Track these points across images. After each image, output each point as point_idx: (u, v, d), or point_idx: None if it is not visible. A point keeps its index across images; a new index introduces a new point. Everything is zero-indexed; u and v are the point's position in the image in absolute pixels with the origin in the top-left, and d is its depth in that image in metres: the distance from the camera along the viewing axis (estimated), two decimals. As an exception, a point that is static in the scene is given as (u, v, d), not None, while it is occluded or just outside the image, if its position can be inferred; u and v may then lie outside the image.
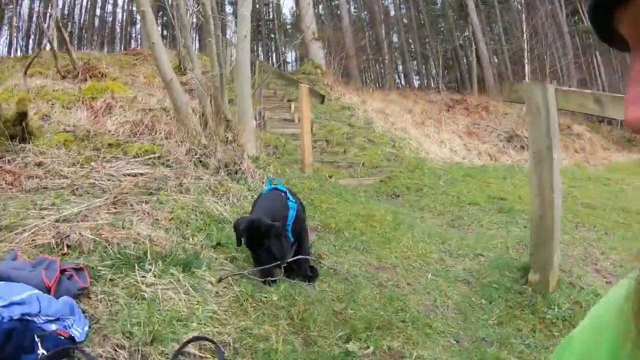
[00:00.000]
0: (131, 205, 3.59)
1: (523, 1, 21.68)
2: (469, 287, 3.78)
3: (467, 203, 7.21)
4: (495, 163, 12.58)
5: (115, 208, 3.59)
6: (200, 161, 4.95)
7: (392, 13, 36.08)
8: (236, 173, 4.94)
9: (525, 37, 19.20)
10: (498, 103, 18.54)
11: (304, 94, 7.16)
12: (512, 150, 14.38)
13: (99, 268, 2.44)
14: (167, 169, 4.59)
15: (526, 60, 19.15)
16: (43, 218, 3.28)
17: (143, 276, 2.37)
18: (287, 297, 2.71)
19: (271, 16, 40.11)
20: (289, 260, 3.06)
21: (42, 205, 3.62)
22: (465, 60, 29.88)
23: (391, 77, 32.77)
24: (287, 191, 3.35)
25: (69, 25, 26.54)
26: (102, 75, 9.95)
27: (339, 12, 28.26)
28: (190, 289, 2.39)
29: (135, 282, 2.32)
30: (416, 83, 33.13)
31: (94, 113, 7.05)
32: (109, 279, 2.37)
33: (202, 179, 4.47)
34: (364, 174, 8.69)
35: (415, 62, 35.71)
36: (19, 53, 21.52)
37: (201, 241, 3.19)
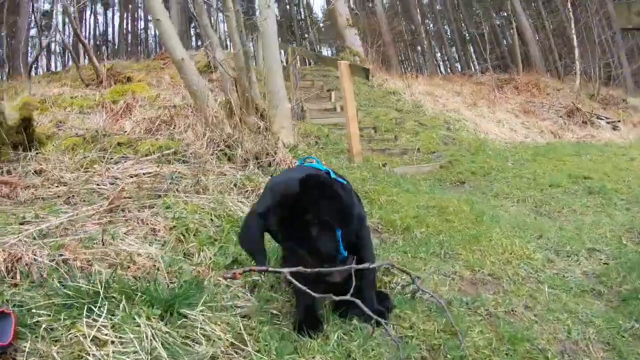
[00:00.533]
0: (129, 211, 2.68)
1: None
2: (604, 302, 2.63)
3: (548, 185, 6.17)
4: (560, 140, 11.34)
5: (110, 217, 2.69)
6: (225, 154, 4.03)
7: (425, 1, 34.71)
8: (269, 165, 3.98)
9: (567, 7, 17.40)
10: (548, 79, 17.51)
11: (344, 71, 6.10)
12: (575, 125, 13.17)
13: (38, 311, 1.50)
14: (183, 165, 3.68)
15: (573, 31, 17.31)
16: (19, 233, 2.43)
17: (94, 325, 1.41)
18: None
19: (303, 15, 39.47)
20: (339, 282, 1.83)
21: (26, 218, 2.79)
22: (505, 41, 28.35)
23: (431, 63, 31.18)
24: (332, 172, 2.12)
25: (104, 43, 26.91)
26: (127, 80, 9.36)
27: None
28: (164, 349, 1.41)
29: (82, 336, 1.37)
30: (458, 68, 31.37)
31: (113, 115, 6.37)
32: (48, 330, 1.43)
33: (225, 174, 3.53)
34: (420, 160, 7.55)
35: (454, 49, 34.14)
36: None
37: (210, 258, 2.21)
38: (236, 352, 1.55)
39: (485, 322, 2.13)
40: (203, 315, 1.63)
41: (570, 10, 17.47)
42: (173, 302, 1.60)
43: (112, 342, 1.38)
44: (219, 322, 1.63)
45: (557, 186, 6.08)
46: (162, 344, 1.41)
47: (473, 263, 2.79)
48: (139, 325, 1.43)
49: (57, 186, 3.63)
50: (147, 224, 2.36)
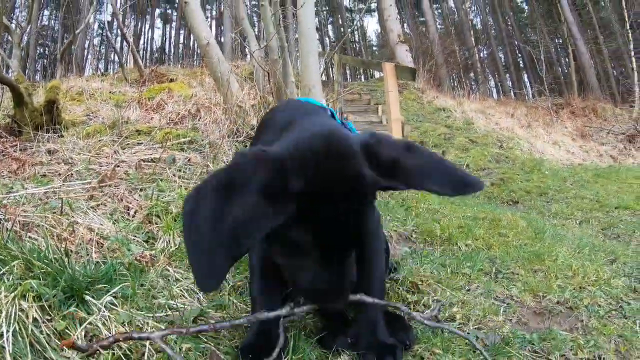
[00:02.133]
0: (117, 191, 2.27)
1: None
2: None
3: (614, 207, 5.51)
4: (621, 165, 10.25)
5: (93, 193, 2.30)
6: (245, 146, 3.62)
7: (479, 26, 34.02)
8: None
9: (626, 28, 16.26)
10: (605, 104, 16.54)
11: (388, 72, 5.61)
12: (636, 151, 12.22)
13: None
14: (196, 152, 3.29)
15: (632, 53, 16.14)
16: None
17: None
18: None
19: (357, 38, 39.70)
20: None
21: (13, 189, 2.47)
22: (560, 67, 27.20)
23: (485, 86, 30.17)
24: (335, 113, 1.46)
25: (157, 52, 27.86)
26: (169, 81, 9.32)
27: (424, 20, 26.63)
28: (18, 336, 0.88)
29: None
30: (512, 95, 30.20)
31: (146, 110, 6.21)
32: None
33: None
34: (468, 176, 6.85)
35: (507, 74, 33.05)
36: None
37: (174, 246, 1.71)
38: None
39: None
40: (112, 308, 1.14)
41: (629, 32, 16.35)
42: (73, 283, 1.12)
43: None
44: (123, 321, 1.12)
45: (625, 208, 5.40)
46: (20, 329, 0.92)
47: (536, 287, 2.13)
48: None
49: (65, 165, 3.38)
50: (123, 200, 1.93)
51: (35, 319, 0.99)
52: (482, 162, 7.76)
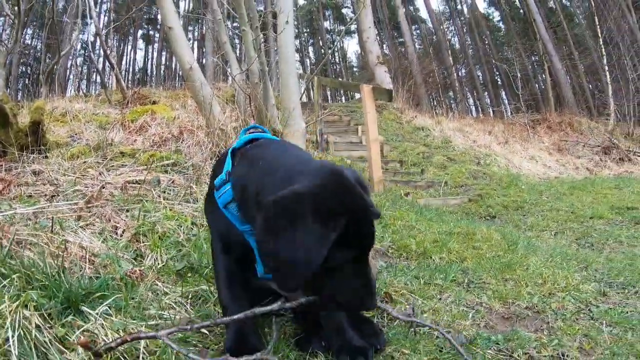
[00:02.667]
0: (104, 211, 2.35)
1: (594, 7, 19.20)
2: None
3: (589, 217, 5.68)
4: (597, 176, 10.68)
5: (81, 214, 2.37)
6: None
7: (457, 46, 35.09)
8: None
9: (600, 44, 17.01)
10: (581, 119, 17.17)
11: (366, 94, 5.80)
12: (612, 162, 12.75)
13: None
14: (179, 174, 3.38)
15: (606, 68, 16.83)
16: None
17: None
18: None
19: (337, 59, 40.43)
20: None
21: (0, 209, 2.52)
22: (537, 84, 28.19)
23: (463, 105, 30.93)
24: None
25: (139, 72, 27.85)
26: (152, 103, 9.38)
27: (403, 41, 27.32)
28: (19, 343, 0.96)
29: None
30: (490, 112, 31.02)
31: (129, 132, 6.27)
32: None
33: (223, 186, 3.19)
34: (447, 193, 7.04)
35: (485, 93, 34.02)
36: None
37: (162, 262, 1.81)
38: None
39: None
40: (107, 317, 1.23)
41: (602, 47, 17.05)
42: (69, 295, 1.21)
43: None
44: (118, 329, 1.21)
45: (599, 218, 5.57)
46: (23, 334, 1.01)
47: (506, 294, 2.27)
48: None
49: (50, 186, 3.44)
50: (111, 221, 2.02)
51: (37, 326, 1.08)
52: (460, 179, 7.98)
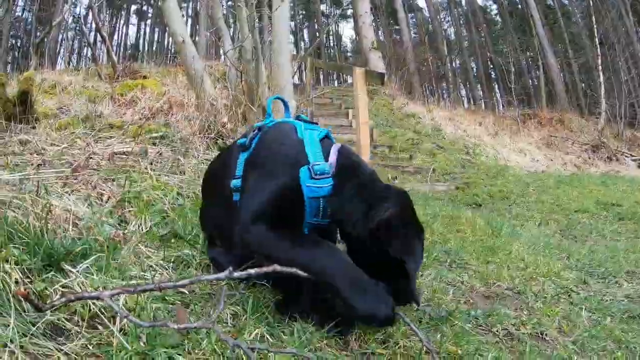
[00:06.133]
0: (89, 177, 2.33)
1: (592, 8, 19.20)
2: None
3: (574, 210, 5.77)
4: (584, 173, 10.78)
5: (67, 182, 2.35)
6: (216, 142, 3.69)
7: (452, 37, 34.91)
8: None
9: (595, 44, 17.04)
10: (572, 116, 17.30)
11: (358, 77, 5.76)
12: (599, 160, 12.95)
13: None
14: (167, 147, 3.35)
15: (600, 68, 16.90)
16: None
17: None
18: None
19: (332, 43, 40.08)
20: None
21: None
22: (530, 76, 28.28)
23: (456, 95, 30.93)
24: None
25: (132, 49, 27.37)
26: (142, 78, 9.25)
27: (399, 28, 27.15)
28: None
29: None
30: (482, 105, 31.12)
31: (118, 105, 6.20)
32: None
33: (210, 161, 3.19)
34: (434, 180, 7.09)
35: (479, 85, 34.03)
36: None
37: (146, 228, 1.81)
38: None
39: (503, 346, 1.59)
40: (88, 276, 1.23)
41: (598, 47, 17.08)
42: (51, 253, 1.21)
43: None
44: (97, 286, 1.21)
45: (584, 212, 5.66)
46: (2, 286, 1.01)
47: (487, 275, 2.31)
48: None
49: (37, 155, 3.39)
50: (97, 188, 2.00)
51: (16, 280, 1.07)
52: (448, 166, 8.03)
